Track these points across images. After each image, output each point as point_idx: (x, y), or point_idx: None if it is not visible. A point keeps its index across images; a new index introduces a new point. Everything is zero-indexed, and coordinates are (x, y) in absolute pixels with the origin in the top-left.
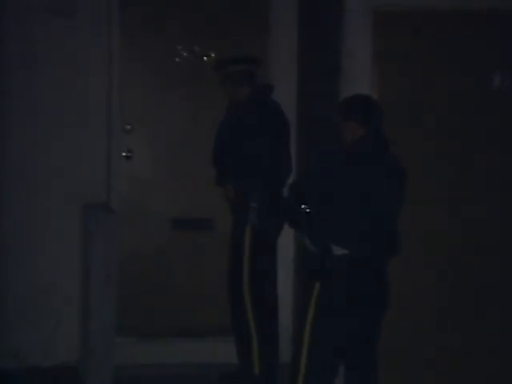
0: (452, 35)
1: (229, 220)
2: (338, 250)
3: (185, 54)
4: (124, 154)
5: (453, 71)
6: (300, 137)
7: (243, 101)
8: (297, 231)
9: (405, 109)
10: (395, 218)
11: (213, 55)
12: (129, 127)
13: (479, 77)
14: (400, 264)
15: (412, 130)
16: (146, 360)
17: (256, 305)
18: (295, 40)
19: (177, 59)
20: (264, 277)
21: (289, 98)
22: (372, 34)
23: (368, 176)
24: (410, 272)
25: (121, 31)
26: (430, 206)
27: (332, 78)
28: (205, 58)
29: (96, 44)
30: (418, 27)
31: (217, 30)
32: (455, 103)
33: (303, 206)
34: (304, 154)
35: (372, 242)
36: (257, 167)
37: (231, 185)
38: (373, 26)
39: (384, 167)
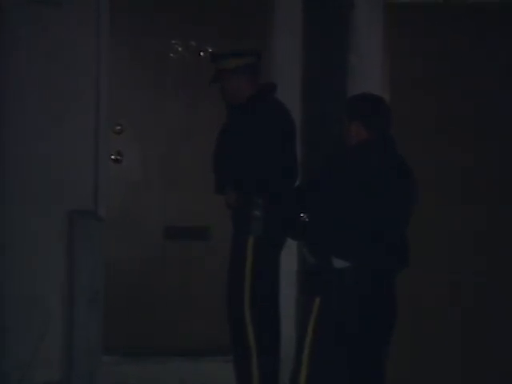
0: (466, 27)
1: (228, 229)
2: (339, 263)
3: (180, 48)
4: (113, 156)
5: (468, 65)
6: (305, 139)
7: (245, 101)
8: (295, 240)
9: (417, 107)
10: (404, 226)
11: (210, 50)
12: (118, 128)
13: (496, 70)
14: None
15: (425, 129)
16: (135, 381)
17: (257, 322)
18: (300, 35)
19: (171, 55)
20: (267, 292)
21: (292, 96)
22: (382, 27)
23: (372, 182)
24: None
25: (111, 23)
26: (445, 208)
27: (339, 75)
28: (201, 54)
29: (84, 37)
30: (432, 20)
31: (215, 25)
32: (471, 100)
33: (302, 215)
34: (309, 157)
35: (377, 253)
36: (260, 172)
37: (232, 191)
38: (383, 19)
39: (389, 172)
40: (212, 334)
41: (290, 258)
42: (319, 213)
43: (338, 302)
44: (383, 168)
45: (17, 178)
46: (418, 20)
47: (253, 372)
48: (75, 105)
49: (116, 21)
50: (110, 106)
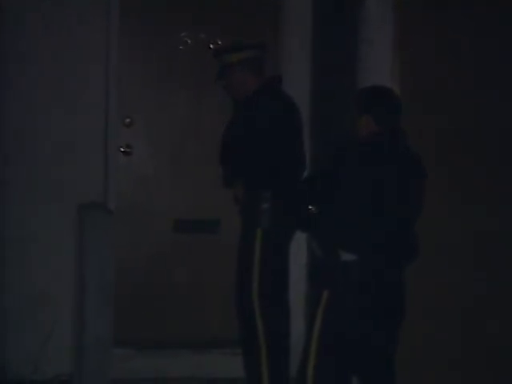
0: (479, 19)
1: (237, 222)
2: (347, 256)
3: (189, 41)
4: (122, 149)
5: (480, 56)
6: (314, 132)
7: (251, 95)
8: (303, 232)
9: (428, 100)
10: (413, 220)
11: (220, 43)
12: (128, 120)
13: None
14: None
15: (435, 122)
16: (146, 374)
17: (266, 315)
18: (310, 27)
19: (180, 47)
20: (275, 286)
21: (302, 90)
22: (393, 19)
23: (381, 176)
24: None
25: (120, 15)
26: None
27: (349, 68)
28: (211, 46)
29: (92, 29)
30: (443, 12)
31: (223, 16)
32: (483, 92)
33: (310, 207)
34: (318, 150)
35: (385, 248)
36: (268, 166)
37: (240, 185)
38: (393, 11)
39: (400, 166)
40: (222, 327)
41: (299, 251)
42: (326, 206)
43: (346, 296)
44: (391, 163)
45: (25, 173)
46: (431, 10)
47: (262, 367)
48: (84, 98)
49: (126, 12)
50: (120, 99)
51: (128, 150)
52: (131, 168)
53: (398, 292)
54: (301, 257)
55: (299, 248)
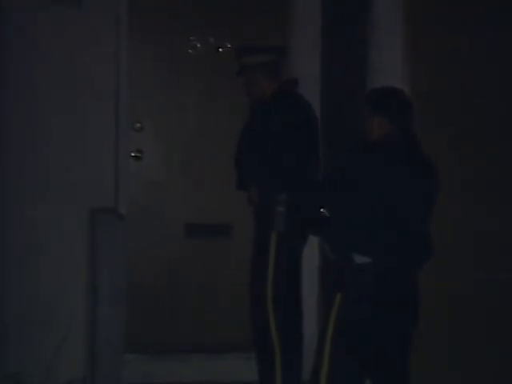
0: (491, 19)
1: (249, 226)
2: (360, 259)
3: (198, 45)
4: (133, 154)
5: (492, 57)
6: (324, 135)
7: (267, 97)
8: (316, 236)
9: (439, 102)
10: (425, 221)
11: (229, 46)
12: (138, 125)
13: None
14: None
15: (447, 125)
16: (159, 379)
17: (279, 318)
18: (319, 28)
19: (190, 51)
20: (289, 289)
21: (312, 91)
22: (403, 21)
23: (394, 176)
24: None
25: (129, 20)
26: (469, 205)
27: (359, 69)
28: (220, 50)
29: (102, 34)
30: (455, 12)
31: (233, 18)
32: (495, 95)
33: (322, 210)
34: (329, 153)
35: (399, 249)
36: (283, 168)
37: (255, 188)
38: (403, 13)
39: (411, 168)
40: (234, 331)
41: (311, 254)
42: (339, 208)
43: (359, 299)
44: (403, 163)
45: (37, 178)
46: (442, 11)
47: (276, 371)
48: (93, 102)
49: (136, 17)
50: (130, 104)
51: (138, 154)
52: (142, 173)
53: (412, 293)
54: (313, 260)
55: (312, 251)
